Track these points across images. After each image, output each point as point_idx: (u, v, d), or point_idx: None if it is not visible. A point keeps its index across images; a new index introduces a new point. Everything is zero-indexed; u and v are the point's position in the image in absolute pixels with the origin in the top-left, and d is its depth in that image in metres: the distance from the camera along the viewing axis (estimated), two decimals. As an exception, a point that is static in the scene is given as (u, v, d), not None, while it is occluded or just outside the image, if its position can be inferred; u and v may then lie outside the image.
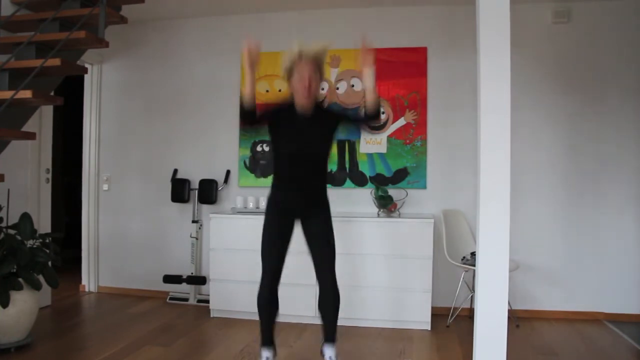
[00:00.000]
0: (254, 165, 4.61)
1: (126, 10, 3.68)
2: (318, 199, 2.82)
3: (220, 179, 4.66)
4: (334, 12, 4.51)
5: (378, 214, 4.17)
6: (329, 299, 2.77)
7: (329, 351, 2.80)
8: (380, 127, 4.40)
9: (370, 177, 4.42)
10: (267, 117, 2.75)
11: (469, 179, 4.10)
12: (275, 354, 2.89)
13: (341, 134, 4.45)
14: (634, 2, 4.11)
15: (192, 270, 4.60)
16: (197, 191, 4.64)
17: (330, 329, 2.81)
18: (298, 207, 2.79)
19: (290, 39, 4.49)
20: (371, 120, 2.73)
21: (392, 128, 4.39)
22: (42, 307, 3.90)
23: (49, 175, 4.40)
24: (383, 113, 2.67)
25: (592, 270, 4.14)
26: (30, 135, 3.09)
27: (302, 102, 2.66)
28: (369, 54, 2.59)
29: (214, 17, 4.70)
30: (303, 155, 2.72)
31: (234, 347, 3.41)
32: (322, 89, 2.74)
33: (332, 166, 4.47)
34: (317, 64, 2.66)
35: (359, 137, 4.44)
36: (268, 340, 2.85)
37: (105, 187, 4.95)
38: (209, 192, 4.60)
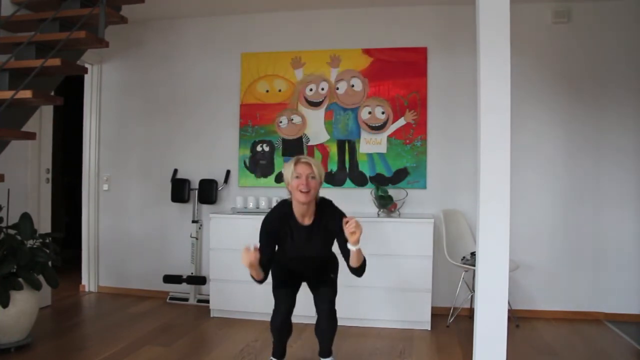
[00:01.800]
0: (254, 165, 4.61)
1: (126, 10, 3.68)
2: (323, 270, 2.88)
3: (220, 179, 4.66)
4: (334, 12, 4.51)
5: (378, 214, 4.17)
6: (327, 327, 2.83)
7: None
8: (380, 127, 4.40)
9: (370, 177, 4.42)
10: (274, 239, 2.72)
11: (469, 179, 4.10)
12: None
13: (341, 134, 4.47)
14: (634, 2, 4.11)
15: (192, 270, 4.60)
16: (197, 191, 4.64)
17: (325, 347, 2.90)
18: (305, 276, 2.91)
19: (290, 39, 4.55)
20: (354, 273, 2.67)
21: (392, 128, 4.39)
22: (42, 307, 3.90)
23: (49, 175, 4.40)
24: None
25: (592, 270, 4.14)
26: (30, 135, 3.09)
27: (300, 198, 2.60)
28: (356, 233, 2.45)
29: (214, 17, 4.71)
30: (306, 259, 2.79)
31: (234, 347, 3.41)
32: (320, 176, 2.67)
33: (332, 166, 4.47)
34: (317, 169, 2.63)
35: (359, 137, 4.44)
36: (280, 354, 2.94)
37: (105, 187, 4.95)
38: (209, 192, 4.60)
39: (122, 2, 3.60)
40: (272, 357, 2.94)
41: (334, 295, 2.84)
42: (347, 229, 2.44)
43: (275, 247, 2.74)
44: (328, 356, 2.90)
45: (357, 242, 2.49)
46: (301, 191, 2.57)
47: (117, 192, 4.92)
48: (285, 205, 2.73)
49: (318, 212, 2.70)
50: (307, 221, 2.69)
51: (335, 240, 2.72)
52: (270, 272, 2.75)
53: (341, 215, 2.63)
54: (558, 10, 4.18)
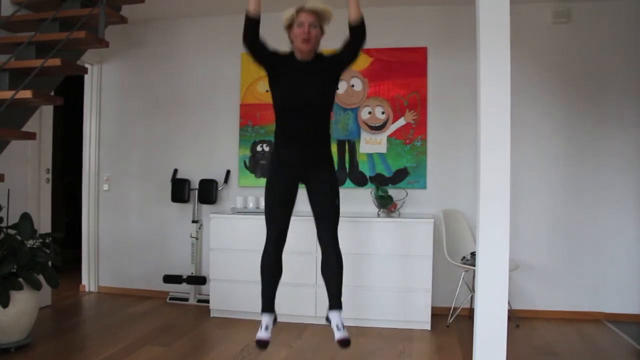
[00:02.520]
0: (254, 165, 4.61)
1: (126, 10, 3.68)
2: (321, 155, 2.73)
3: (220, 179, 4.66)
4: (333, 12, 4.49)
5: (378, 214, 4.17)
6: (331, 262, 2.64)
7: (335, 318, 2.61)
8: (380, 127, 4.40)
9: (370, 177, 4.42)
10: (267, 49, 2.65)
11: (469, 179, 4.10)
12: (275, 321, 2.77)
13: (341, 134, 4.47)
14: (634, 2, 4.11)
15: (192, 270, 4.60)
16: (197, 191, 4.64)
17: (334, 294, 2.65)
18: (301, 163, 2.69)
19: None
20: (359, 34, 2.62)
21: (392, 128, 4.39)
22: (42, 307, 3.90)
23: (49, 175, 4.40)
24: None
25: (592, 270, 4.14)
26: (30, 135, 3.09)
27: (300, 47, 2.58)
28: None
29: (214, 17, 4.70)
30: (303, 107, 2.63)
31: (234, 347, 3.41)
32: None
33: (332, 166, 4.47)
34: (318, 16, 2.61)
35: (359, 137, 4.44)
36: (269, 305, 2.72)
37: (105, 187, 4.95)
38: (209, 192, 4.60)
39: (122, 2, 3.61)
40: (262, 313, 2.69)
41: (337, 218, 2.67)
42: None
43: (265, 47, 2.64)
44: (339, 307, 2.63)
45: None
46: (303, 39, 2.56)
47: (117, 192, 4.92)
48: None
49: (318, 56, 2.67)
50: (306, 59, 2.63)
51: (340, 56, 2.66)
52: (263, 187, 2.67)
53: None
54: (558, 10, 4.18)
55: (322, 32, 2.66)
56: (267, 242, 2.69)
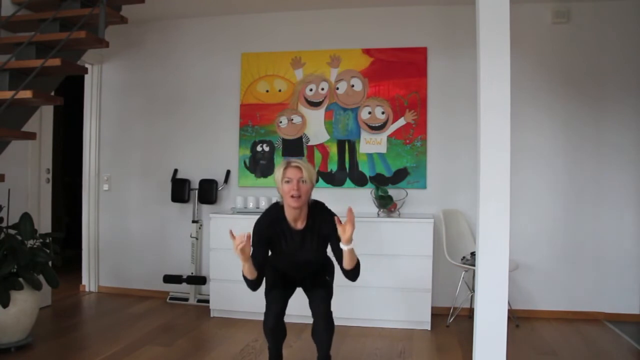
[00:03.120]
0: (254, 165, 4.62)
1: (126, 10, 3.68)
2: (317, 274, 2.82)
3: (220, 179, 4.66)
4: (334, 12, 4.51)
5: (378, 214, 4.17)
6: (321, 331, 2.70)
7: None
8: (380, 127, 4.41)
9: (370, 177, 4.42)
10: (266, 239, 2.65)
11: (469, 179, 4.11)
12: None
13: (341, 134, 4.47)
14: (634, 2, 4.11)
15: (192, 270, 4.60)
16: (197, 191, 4.64)
17: (324, 351, 2.75)
18: (299, 280, 2.85)
19: (290, 39, 4.55)
20: (348, 276, 2.60)
21: (392, 128, 4.39)
22: (42, 307, 3.90)
23: (49, 175, 4.40)
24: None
25: (592, 270, 4.14)
26: (30, 135, 3.09)
27: (291, 204, 2.54)
28: (347, 231, 2.39)
29: (214, 17, 4.71)
30: (300, 265, 2.74)
31: (234, 347, 3.41)
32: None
33: (332, 166, 4.47)
34: (307, 172, 2.56)
35: (359, 137, 4.44)
36: (276, 358, 2.84)
37: (105, 187, 4.95)
38: (209, 192, 4.60)
39: (122, 2, 3.61)
40: None
41: (329, 297, 2.76)
42: (339, 227, 2.41)
43: (267, 252, 2.69)
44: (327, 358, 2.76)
45: (349, 240, 2.40)
46: (292, 196, 2.51)
47: (117, 192, 4.93)
48: (276, 209, 2.67)
49: (311, 216, 2.64)
50: (299, 225, 2.64)
51: (330, 245, 2.66)
52: (264, 278, 2.70)
53: (332, 216, 2.56)
54: (558, 10, 4.18)
55: (312, 185, 2.61)
56: (268, 309, 2.72)
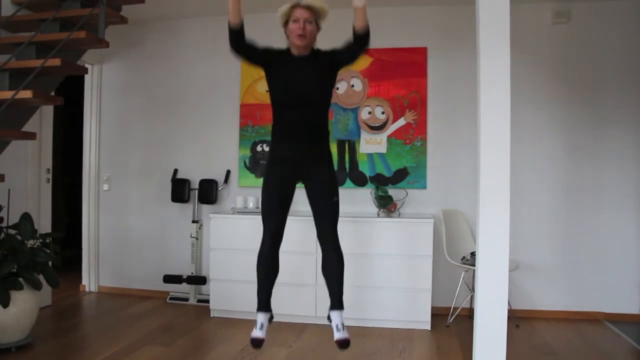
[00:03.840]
0: (254, 165, 4.61)
1: (126, 10, 3.68)
2: (319, 152, 2.68)
3: (220, 179, 4.66)
4: (334, 12, 4.44)
5: (378, 214, 4.17)
6: (331, 261, 2.61)
7: (335, 318, 2.60)
8: (380, 127, 4.40)
9: (370, 177, 4.42)
10: (258, 50, 2.64)
11: (469, 179, 4.10)
12: (271, 319, 2.73)
13: (341, 134, 4.47)
14: (634, 2, 4.11)
15: (192, 270, 4.60)
16: (197, 191, 4.64)
17: (335, 293, 2.62)
18: (298, 160, 2.64)
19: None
20: (362, 42, 2.59)
21: (392, 128, 4.39)
22: (42, 307, 3.89)
23: (49, 175, 4.40)
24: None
25: (592, 270, 4.14)
26: (30, 135, 3.10)
27: (296, 42, 2.58)
28: None
29: (214, 17, 4.69)
30: (300, 101, 2.60)
31: (234, 347, 3.41)
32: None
33: (332, 166, 4.47)
34: (314, 13, 2.61)
35: (359, 137, 4.44)
36: (265, 304, 2.68)
37: (105, 187, 4.95)
38: (209, 192, 4.60)
39: (122, 2, 3.61)
40: (257, 312, 2.66)
41: (336, 216, 2.64)
42: None
43: (254, 48, 2.63)
44: (340, 307, 2.62)
45: None
46: (298, 35, 2.55)
47: (117, 192, 4.92)
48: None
49: (314, 51, 2.67)
50: (303, 53, 2.64)
51: (340, 55, 2.65)
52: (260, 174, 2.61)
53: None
54: (558, 10, 4.18)
55: (317, 28, 2.66)
56: (264, 240, 2.66)
